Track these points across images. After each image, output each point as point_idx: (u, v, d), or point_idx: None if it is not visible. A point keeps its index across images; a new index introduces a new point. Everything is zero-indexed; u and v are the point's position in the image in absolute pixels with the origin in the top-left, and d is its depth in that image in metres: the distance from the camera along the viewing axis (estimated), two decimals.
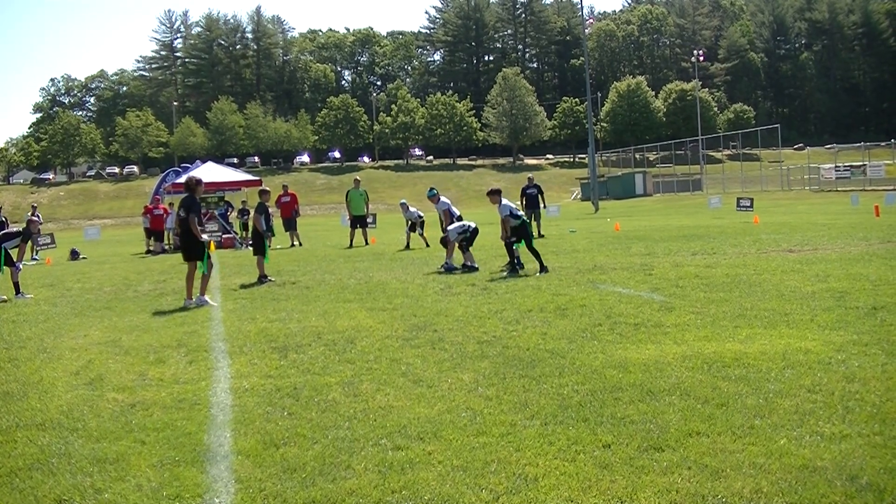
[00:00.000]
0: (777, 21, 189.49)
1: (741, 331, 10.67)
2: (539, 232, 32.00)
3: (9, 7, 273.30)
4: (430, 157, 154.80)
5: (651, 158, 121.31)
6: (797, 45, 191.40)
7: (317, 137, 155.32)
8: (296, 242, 35.66)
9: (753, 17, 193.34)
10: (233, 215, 40.91)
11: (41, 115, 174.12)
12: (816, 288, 13.99)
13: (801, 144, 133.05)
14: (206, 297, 16.68)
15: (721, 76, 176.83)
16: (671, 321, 11.60)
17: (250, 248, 27.06)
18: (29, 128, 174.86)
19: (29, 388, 9.54)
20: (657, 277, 16.64)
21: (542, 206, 33.22)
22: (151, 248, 36.58)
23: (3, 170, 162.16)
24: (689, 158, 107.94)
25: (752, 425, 6.81)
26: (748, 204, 43.18)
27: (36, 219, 22.19)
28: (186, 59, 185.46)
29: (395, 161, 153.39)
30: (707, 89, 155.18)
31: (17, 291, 19.46)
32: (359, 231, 32.60)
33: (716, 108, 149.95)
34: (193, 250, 16.94)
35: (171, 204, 38.29)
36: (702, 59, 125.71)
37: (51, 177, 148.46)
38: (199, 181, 17.61)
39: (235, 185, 41.50)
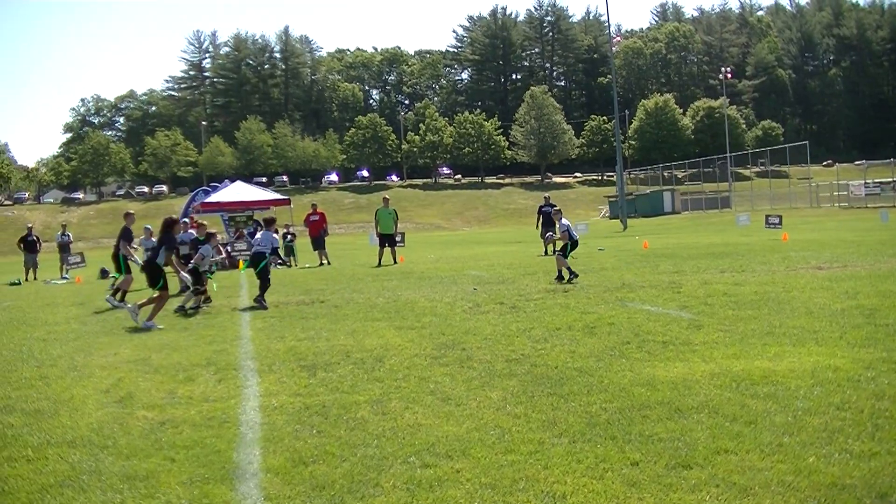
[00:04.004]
0: (805, 37, 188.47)
1: (770, 348, 10.63)
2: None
3: (40, 28, 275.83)
4: (459, 176, 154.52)
5: (679, 176, 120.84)
6: (825, 62, 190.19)
7: (345, 156, 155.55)
8: (324, 261, 35.67)
9: (781, 33, 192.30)
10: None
11: (71, 135, 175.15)
12: (846, 305, 13.91)
13: (829, 161, 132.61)
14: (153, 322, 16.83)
15: (749, 93, 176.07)
16: (699, 339, 11.57)
17: (279, 266, 27.14)
18: (59, 148, 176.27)
19: (60, 406, 9.60)
20: (685, 295, 16.59)
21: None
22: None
23: (34, 189, 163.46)
24: (718, 176, 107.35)
25: (780, 443, 6.79)
26: (777, 221, 42.99)
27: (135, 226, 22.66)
28: (215, 79, 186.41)
29: (424, 180, 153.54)
30: (735, 106, 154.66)
31: (121, 299, 19.52)
32: (387, 250, 32.47)
33: (744, 125, 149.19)
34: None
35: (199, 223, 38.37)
36: (729, 76, 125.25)
37: (81, 196, 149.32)
38: (175, 221, 19.01)
39: (264, 205, 41.55)
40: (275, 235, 20.65)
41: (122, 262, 20.86)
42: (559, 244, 22.37)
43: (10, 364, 12.71)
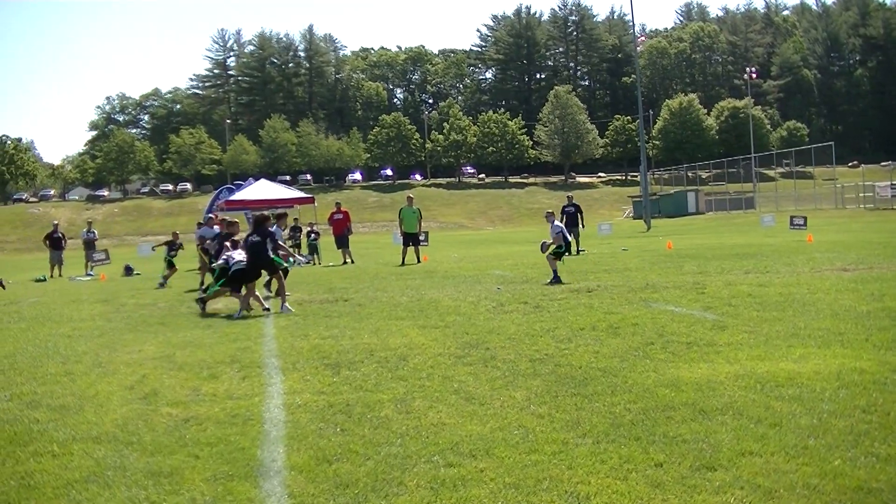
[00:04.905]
0: (831, 37, 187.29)
1: (795, 350, 10.58)
2: (578, 248, 32.16)
3: (66, 27, 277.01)
4: (482, 175, 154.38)
5: (703, 176, 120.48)
6: (851, 62, 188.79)
7: (369, 155, 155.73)
8: (348, 260, 35.73)
9: (806, 33, 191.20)
10: (284, 233, 41.02)
11: (96, 132, 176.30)
12: (871, 307, 13.84)
13: (855, 162, 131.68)
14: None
15: (774, 93, 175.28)
16: (724, 340, 11.52)
17: (303, 265, 27.17)
18: (85, 145, 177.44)
19: (85, 402, 9.64)
20: (710, 296, 16.53)
21: (580, 224, 33.63)
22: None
23: (60, 187, 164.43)
24: (742, 176, 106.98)
25: (805, 446, 6.76)
26: (801, 222, 42.90)
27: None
28: (239, 78, 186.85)
29: (447, 179, 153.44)
30: (760, 106, 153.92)
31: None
32: (411, 249, 32.49)
33: (768, 126, 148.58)
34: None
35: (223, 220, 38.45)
36: (754, 76, 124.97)
37: (105, 193, 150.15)
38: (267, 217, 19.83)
39: (288, 203, 41.54)
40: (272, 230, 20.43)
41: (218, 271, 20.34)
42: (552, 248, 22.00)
43: (36, 360, 12.77)
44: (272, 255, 18.67)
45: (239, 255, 18.66)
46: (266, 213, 21.48)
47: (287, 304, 17.93)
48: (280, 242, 19.71)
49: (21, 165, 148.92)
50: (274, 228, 20.02)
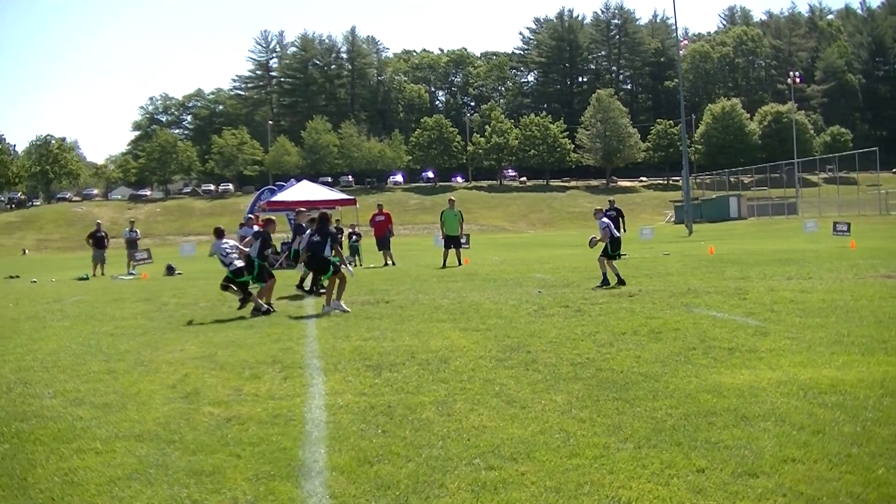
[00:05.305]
0: (875, 42, 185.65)
1: (838, 357, 10.50)
2: (619, 253, 32.13)
3: (111, 28, 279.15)
4: (524, 179, 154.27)
5: (745, 181, 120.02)
6: None
7: (410, 157, 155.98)
8: (389, 262, 35.81)
9: (851, 37, 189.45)
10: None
11: (139, 132, 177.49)
12: None
13: None
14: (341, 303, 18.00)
15: (818, 98, 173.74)
16: (766, 346, 11.46)
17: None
18: (128, 145, 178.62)
19: (127, 400, 9.73)
20: (752, 302, 16.44)
21: (622, 229, 33.52)
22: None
23: (103, 186, 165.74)
24: (784, 182, 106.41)
25: (848, 453, 6.72)
26: (845, 228, 42.49)
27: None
28: (282, 79, 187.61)
29: (489, 182, 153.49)
30: (803, 111, 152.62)
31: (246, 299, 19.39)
32: (452, 251, 32.50)
33: (812, 131, 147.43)
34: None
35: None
36: (798, 80, 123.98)
37: (148, 193, 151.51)
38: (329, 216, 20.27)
39: (329, 205, 41.54)
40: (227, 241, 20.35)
41: (256, 267, 20.17)
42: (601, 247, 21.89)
43: (79, 358, 12.89)
44: (330, 257, 18.75)
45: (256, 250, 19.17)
46: (308, 212, 21.41)
47: (343, 302, 18.00)
48: (338, 246, 19.76)
49: (65, 165, 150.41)
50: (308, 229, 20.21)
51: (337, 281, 18.35)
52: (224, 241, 20.03)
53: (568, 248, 48.03)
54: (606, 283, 20.52)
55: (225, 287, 19.87)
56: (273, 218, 21.91)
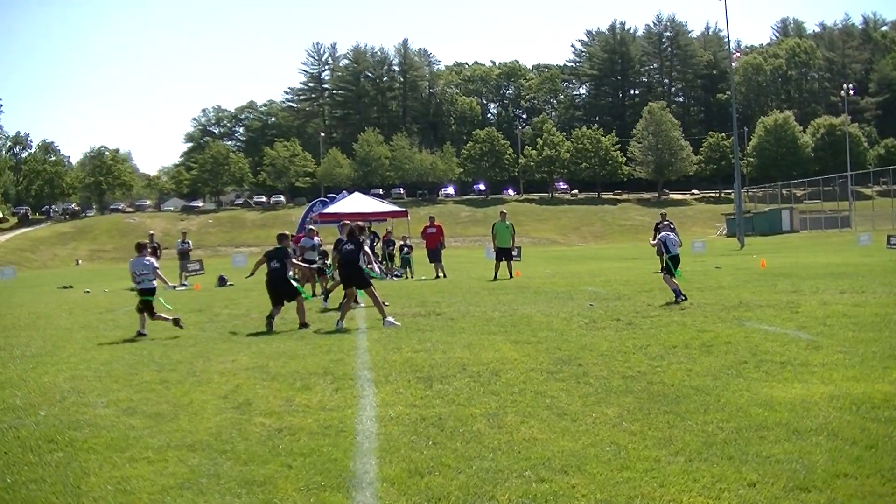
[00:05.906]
0: None
1: (891, 371, 10.38)
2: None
3: (165, 40, 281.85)
4: (575, 191, 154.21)
5: (798, 194, 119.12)
6: None
7: (462, 170, 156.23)
8: (440, 274, 35.81)
9: None
10: (378, 245, 41.15)
11: (192, 144, 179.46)
12: None
13: None
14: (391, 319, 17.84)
15: (871, 110, 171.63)
16: (818, 360, 11.35)
17: (396, 278, 27.22)
18: (180, 156, 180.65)
19: (179, 410, 9.79)
20: (804, 315, 16.29)
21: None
22: (297, 277, 36.95)
23: (155, 197, 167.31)
24: (838, 195, 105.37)
25: None
26: None
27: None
28: (334, 91, 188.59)
29: (540, 194, 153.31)
30: (857, 124, 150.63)
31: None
32: (503, 264, 32.41)
33: (865, 143, 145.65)
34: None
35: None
36: (852, 92, 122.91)
37: (200, 204, 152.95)
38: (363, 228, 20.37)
39: (381, 216, 41.72)
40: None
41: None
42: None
43: (132, 368, 13.00)
44: (364, 267, 18.72)
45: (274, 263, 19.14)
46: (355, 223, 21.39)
47: (390, 317, 17.90)
48: (370, 253, 19.77)
49: (118, 176, 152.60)
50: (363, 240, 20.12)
51: (345, 298, 18.72)
52: (146, 258, 19.11)
53: (619, 261, 47.86)
54: (682, 296, 20.18)
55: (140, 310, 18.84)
56: (287, 233, 21.86)
